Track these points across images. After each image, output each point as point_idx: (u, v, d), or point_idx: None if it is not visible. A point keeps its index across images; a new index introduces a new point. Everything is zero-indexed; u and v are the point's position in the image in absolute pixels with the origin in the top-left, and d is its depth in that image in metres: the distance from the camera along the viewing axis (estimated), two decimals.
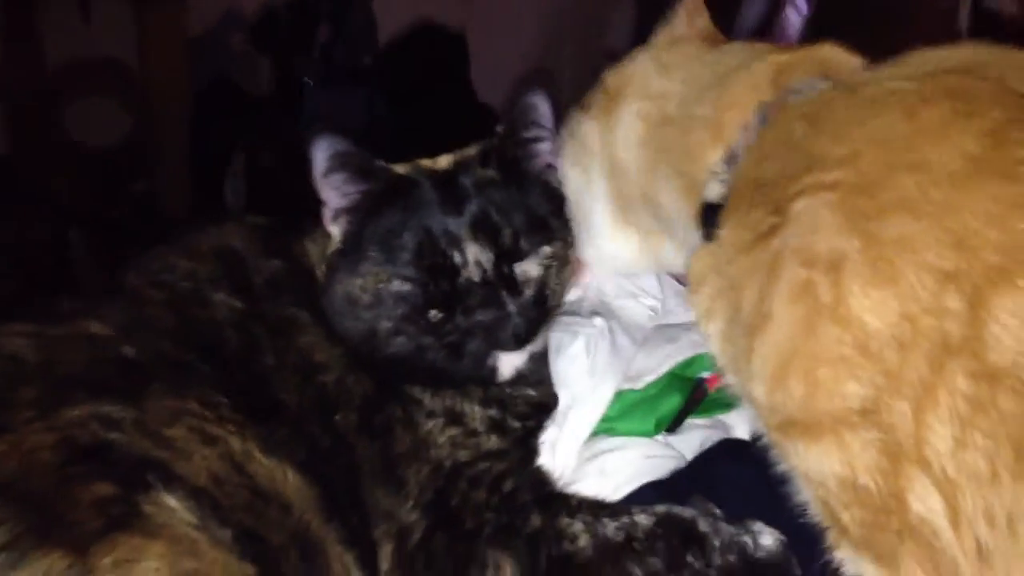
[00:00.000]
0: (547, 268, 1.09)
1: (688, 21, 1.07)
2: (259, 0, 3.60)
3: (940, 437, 0.66)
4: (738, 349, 0.82)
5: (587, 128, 1.09)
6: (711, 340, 0.89)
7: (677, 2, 1.08)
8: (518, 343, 1.06)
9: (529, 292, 1.07)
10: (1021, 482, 0.63)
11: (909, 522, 0.69)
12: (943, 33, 2.37)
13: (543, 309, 1.09)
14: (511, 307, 1.04)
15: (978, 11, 2.32)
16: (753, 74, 0.92)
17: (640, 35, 1.11)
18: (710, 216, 0.90)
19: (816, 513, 0.79)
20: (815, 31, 2.89)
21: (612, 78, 1.07)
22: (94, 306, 1.00)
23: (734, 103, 0.90)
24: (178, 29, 3.63)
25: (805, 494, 0.80)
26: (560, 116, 1.14)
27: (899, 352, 0.68)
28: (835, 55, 0.93)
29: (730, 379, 0.89)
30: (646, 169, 1.00)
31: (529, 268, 1.08)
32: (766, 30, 3.09)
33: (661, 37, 1.08)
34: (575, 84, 4.58)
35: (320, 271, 1.12)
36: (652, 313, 1.22)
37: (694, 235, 0.94)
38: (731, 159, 0.89)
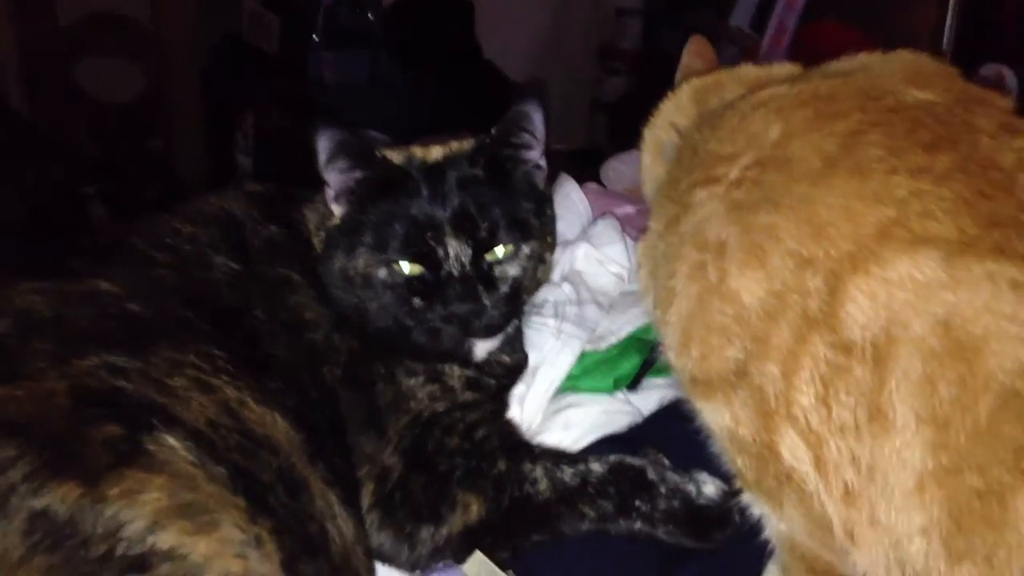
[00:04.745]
0: (524, 268, 1.17)
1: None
2: None
3: (804, 395, 0.75)
4: (658, 320, 0.92)
5: None
6: (648, 313, 0.99)
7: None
8: (489, 333, 1.16)
9: (505, 288, 1.16)
10: (873, 438, 0.72)
11: (782, 469, 0.79)
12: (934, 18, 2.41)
13: (517, 303, 1.18)
14: (486, 301, 1.13)
15: None
16: (677, 96, 1.05)
17: None
18: None
19: (724, 461, 0.89)
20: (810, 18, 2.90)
21: None
22: (103, 266, 1.08)
23: (664, 122, 1.03)
24: None
25: (716, 444, 0.90)
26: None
27: (767, 322, 0.77)
28: (753, 72, 1.04)
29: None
30: None
31: (508, 268, 1.16)
32: (763, 17, 3.09)
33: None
34: (583, 46, 4.60)
35: (317, 238, 1.21)
36: (618, 280, 1.30)
37: None
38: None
